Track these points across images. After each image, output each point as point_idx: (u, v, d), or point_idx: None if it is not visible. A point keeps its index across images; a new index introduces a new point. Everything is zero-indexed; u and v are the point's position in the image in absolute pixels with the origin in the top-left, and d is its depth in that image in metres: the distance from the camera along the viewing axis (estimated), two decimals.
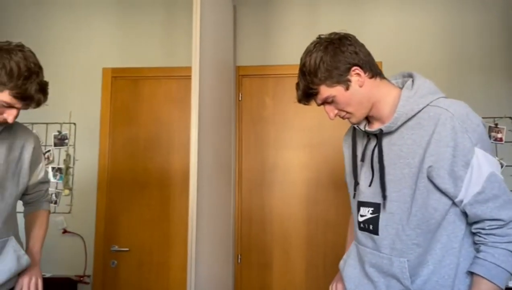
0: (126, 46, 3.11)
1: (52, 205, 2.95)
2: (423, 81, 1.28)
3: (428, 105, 1.22)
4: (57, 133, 3.04)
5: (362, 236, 1.36)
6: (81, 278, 2.86)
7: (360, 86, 1.27)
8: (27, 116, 2.93)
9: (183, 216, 2.85)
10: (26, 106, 1.37)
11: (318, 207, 2.87)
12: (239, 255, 2.87)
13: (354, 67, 1.25)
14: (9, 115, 1.36)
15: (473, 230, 1.21)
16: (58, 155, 3.02)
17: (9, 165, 1.50)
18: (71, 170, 3.00)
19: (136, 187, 2.97)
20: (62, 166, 3.00)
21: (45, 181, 1.73)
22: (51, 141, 3.03)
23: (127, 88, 3.07)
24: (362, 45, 1.30)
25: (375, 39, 2.89)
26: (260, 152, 2.96)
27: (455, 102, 1.22)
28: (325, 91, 1.26)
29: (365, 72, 1.27)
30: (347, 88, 1.26)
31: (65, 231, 2.93)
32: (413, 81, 1.30)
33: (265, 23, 3.05)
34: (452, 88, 2.84)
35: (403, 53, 2.91)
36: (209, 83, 2.11)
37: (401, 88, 1.31)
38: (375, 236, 1.29)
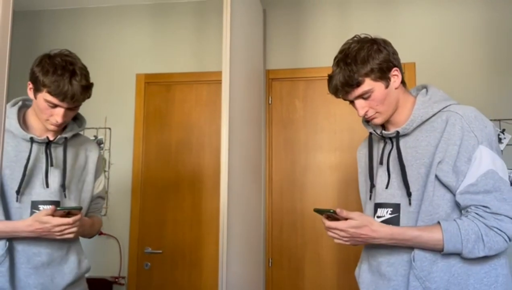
0: (158, 52, 3.17)
1: None
2: (437, 90, 1.36)
3: (441, 110, 1.30)
4: (93, 138, 3.13)
5: None
6: (116, 279, 2.93)
7: (396, 88, 1.33)
8: None
9: (215, 218, 2.88)
10: (64, 103, 1.43)
11: (349, 210, 2.82)
12: (270, 259, 2.87)
13: (395, 68, 1.32)
14: (56, 116, 1.44)
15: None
16: None
17: (75, 171, 1.61)
18: (106, 173, 3.08)
19: (169, 190, 3.02)
20: None
21: (103, 197, 1.79)
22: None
23: (159, 93, 3.14)
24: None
25: (408, 39, 2.83)
26: (290, 155, 2.95)
27: (465, 107, 1.29)
28: (368, 84, 1.29)
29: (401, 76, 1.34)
30: (387, 86, 1.31)
31: (101, 233, 3.01)
32: (427, 90, 1.37)
33: (294, 26, 3.05)
34: (488, 89, 2.75)
35: (436, 54, 2.83)
36: (239, 87, 2.13)
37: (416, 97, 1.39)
38: None
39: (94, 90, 3.28)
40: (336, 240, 1.31)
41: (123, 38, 3.23)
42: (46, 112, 1.44)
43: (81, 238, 1.69)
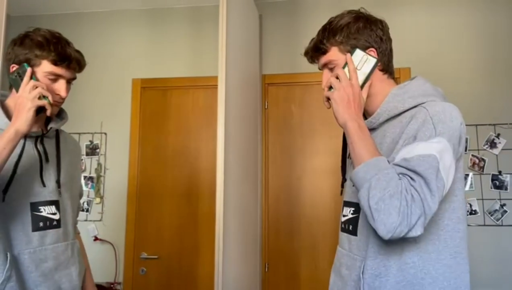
0: (155, 57, 3.18)
1: (83, 213, 3.04)
2: (421, 83, 1.22)
3: (415, 106, 1.15)
4: (89, 143, 3.12)
5: (342, 237, 1.29)
6: (112, 285, 2.91)
7: None
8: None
9: (211, 224, 2.87)
10: (69, 71, 1.38)
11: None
12: (266, 264, 2.86)
13: (371, 49, 1.21)
14: (60, 90, 1.36)
15: None
16: (90, 164, 3.10)
17: (67, 167, 1.52)
18: (102, 178, 3.07)
19: (165, 195, 3.01)
20: (93, 175, 3.08)
21: (82, 194, 1.72)
22: (83, 150, 3.12)
23: (155, 98, 3.14)
24: (390, 39, 1.26)
25: (403, 45, 2.84)
26: (287, 160, 2.95)
27: (440, 103, 1.12)
28: (334, 53, 1.22)
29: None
30: None
31: (96, 239, 2.99)
32: (410, 82, 1.24)
33: (290, 32, 3.06)
34: (483, 94, 2.76)
35: (431, 59, 2.85)
36: (235, 92, 2.13)
37: None
38: (353, 237, 1.21)
39: (90, 95, 3.29)
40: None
41: (120, 43, 3.23)
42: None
43: None
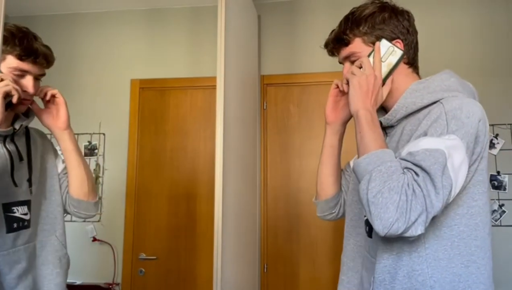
0: (153, 58, 3.17)
1: None
2: (445, 78, 1.14)
3: (435, 102, 1.07)
4: (87, 144, 3.12)
5: (363, 238, 1.24)
6: (110, 286, 2.91)
7: None
8: None
9: (209, 225, 2.86)
10: (36, 66, 1.32)
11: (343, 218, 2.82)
12: (265, 264, 2.86)
13: (397, 40, 1.14)
14: (28, 86, 1.30)
15: None
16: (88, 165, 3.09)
17: (37, 164, 1.47)
18: (100, 179, 3.07)
19: (163, 196, 3.01)
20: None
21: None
22: (81, 151, 3.10)
23: (154, 99, 3.13)
24: (416, 32, 1.20)
25: None
26: (285, 161, 2.95)
27: (459, 99, 1.04)
28: (357, 45, 1.16)
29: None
30: None
31: (94, 239, 2.99)
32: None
33: (289, 32, 3.06)
34: (482, 94, 2.74)
35: (430, 59, 2.84)
36: (234, 92, 2.13)
37: None
38: (369, 239, 1.17)
39: (89, 96, 3.28)
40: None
41: (118, 43, 3.22)
42: None
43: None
